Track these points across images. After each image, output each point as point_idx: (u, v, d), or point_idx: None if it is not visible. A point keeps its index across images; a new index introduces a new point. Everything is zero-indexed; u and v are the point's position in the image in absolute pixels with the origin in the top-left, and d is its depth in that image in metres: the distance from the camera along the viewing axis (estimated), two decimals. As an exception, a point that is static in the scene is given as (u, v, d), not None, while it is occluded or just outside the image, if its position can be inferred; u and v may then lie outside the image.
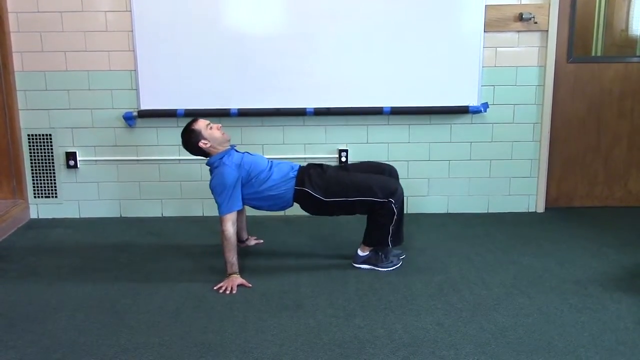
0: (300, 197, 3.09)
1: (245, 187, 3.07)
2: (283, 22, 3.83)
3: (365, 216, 3.12)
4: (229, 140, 3.15)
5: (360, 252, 3.17)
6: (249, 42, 3.82)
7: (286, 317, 2.64)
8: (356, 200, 3.02)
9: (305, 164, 3.26)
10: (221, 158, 3.08)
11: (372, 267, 3.15)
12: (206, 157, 3.15)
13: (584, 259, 3.29)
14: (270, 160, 3.19)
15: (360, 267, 3.16)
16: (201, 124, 3.09)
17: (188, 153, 3.18)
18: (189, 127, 3.11)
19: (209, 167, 3.15)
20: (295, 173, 3.11)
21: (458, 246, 3.50)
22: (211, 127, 3.10)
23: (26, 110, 3.94)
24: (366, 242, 3.15)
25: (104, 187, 4.07)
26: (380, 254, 3.16)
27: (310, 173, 3.10)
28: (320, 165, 3.19)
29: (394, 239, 3.09)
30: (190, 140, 3.10)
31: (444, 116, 3.98)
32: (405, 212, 3.18)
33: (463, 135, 4.03)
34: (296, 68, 3.85)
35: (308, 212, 3.19)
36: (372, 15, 3.79)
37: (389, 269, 3.15)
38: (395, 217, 3.02)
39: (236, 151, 3.17)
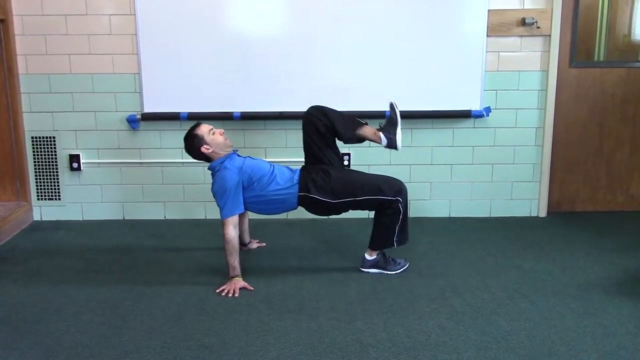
0: (305, 201, 3.09)
1: (247, 190, 3.07)
2: (286, 26, 3.84)
3: (370, 219, 3.12)
4: (232, 146, 3.16)
5: (367, 257, 3.16)
6: (252, 46, 3.83)
7: (288, 320, 2.65)
8: (365, 199, 3.03)
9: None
10: (222, 162, 3.09)
11: (381, 270, 3.15)
12: (208, 161, 3.16)
13: (586, 264, 3.29)
14: (272, 164, 3.19)
15: (368, 272, 3.16)
16: (204, 129, 3.10)
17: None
18: (191, 132, 3.12)
19: (210, 172, 3.16)
20: (298, 178, 3.09)
21: (460, 250, 3.50)
22: (214, 132, 3.10)
23: (30, 112, 3.96)
24: (373, 247, 3.15)
25: (107, 189, 4.08)
26: (388, 257, 3.17)
27: (314, 178, 3.07)
28: (322, 169, 3.15)
29: (399, 238, 3.09)
30: (193, 145, 3.10)
31: (447, 120, 3.98)
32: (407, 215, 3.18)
33: (465, 140, 4.03)
34: (299, 72, 3.86)
35: (316, 214, 3.21)
36: (375, 19, 3.80)
37: (397, 271, 3.16)
38: (401, 215, 3.03)
39: (238, 155, 3.17)
